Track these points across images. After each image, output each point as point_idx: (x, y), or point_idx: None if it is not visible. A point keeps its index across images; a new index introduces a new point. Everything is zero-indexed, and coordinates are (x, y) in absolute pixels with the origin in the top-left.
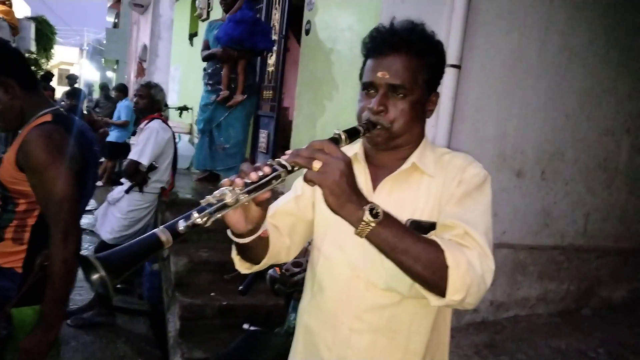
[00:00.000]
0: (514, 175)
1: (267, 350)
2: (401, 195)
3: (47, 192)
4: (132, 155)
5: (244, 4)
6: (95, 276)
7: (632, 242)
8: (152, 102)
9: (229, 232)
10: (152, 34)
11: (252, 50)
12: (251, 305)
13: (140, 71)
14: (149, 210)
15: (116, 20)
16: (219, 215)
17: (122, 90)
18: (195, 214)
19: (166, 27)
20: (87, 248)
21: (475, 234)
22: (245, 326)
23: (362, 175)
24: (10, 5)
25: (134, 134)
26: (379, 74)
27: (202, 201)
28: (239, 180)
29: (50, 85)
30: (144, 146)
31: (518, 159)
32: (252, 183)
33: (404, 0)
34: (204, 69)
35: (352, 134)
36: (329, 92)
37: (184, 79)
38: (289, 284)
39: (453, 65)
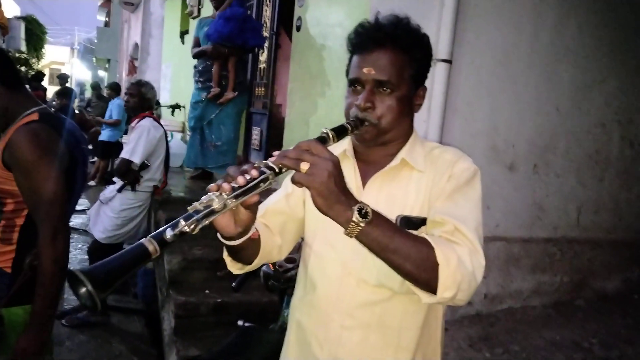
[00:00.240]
0: (506, 169)
1: (261, 347)
2: (391, 192)
3: (35, 191)
4: (124, 154)
5: (234, 0)
6: (82, 290)
7: (625, 234)
8: (142, 101)
9: (218, 235)
10: (143, 32)
11: (243, 47)
12: (245, 302)
13: (132, 69)
14: (142, 209)
15: (107, 19)
16: (206, 222)
17: (115, 88)
18: (183, 222)
19: (157, 25)
20: (80, 248)
21: (465, 229)
22: (240, 323)
23: (352, 172)
24: None
25: (126, 132)
26: (365, 70)
27: (189, 208)
28: (226, 185)
29: (42, 85)
30: (135, 145)
31: (510, 152)
32: (240, 187)
33: None
34: (195, 67)
35: (339, 132)
36: (321, 89)
37: (175, 76)
38: (282, 280)
39: (444, 60)
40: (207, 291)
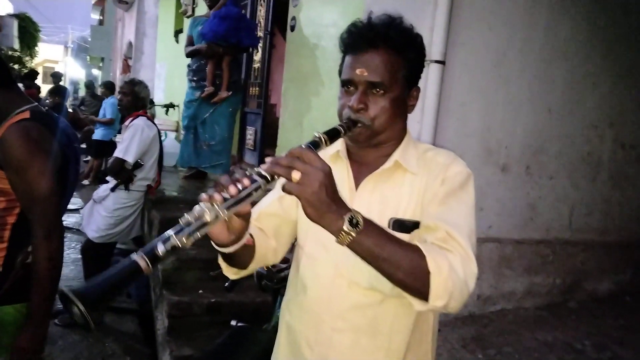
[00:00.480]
0: (499, 170)
1: (254, 346)
2: (384, 193)
3: (28, 190)
4: (117, 153)
5: (229, 0)
6: (74, 309)
7: (617, 235)
8: (136, 100)
9: (212, 242)
10: (137, 31)
11: (238, 46)
12: (239, 302)
13: (126, 68)
14: (135, 209)
15: (101, 18)
16: (199, 236)
17: (110, 87)
18: (174, 237)
19: (151, 24)
20: (73, 247)
21: (458, 236)
22: (233, 323)
23: (345, 173)
24: None
25: (119, 131)
26: (358, 72)
27: (180, 219)
28: (217, 196)
29: (35, 83)
30: (129, 144)
31: (503, 153)
32: (232, 197)
33: None
34: (188, 66)
35: (332, 136)
36: (315, 88)
37: (169, 76)
38: (275, 280)
39: (437, 61)
40: (200, 291)
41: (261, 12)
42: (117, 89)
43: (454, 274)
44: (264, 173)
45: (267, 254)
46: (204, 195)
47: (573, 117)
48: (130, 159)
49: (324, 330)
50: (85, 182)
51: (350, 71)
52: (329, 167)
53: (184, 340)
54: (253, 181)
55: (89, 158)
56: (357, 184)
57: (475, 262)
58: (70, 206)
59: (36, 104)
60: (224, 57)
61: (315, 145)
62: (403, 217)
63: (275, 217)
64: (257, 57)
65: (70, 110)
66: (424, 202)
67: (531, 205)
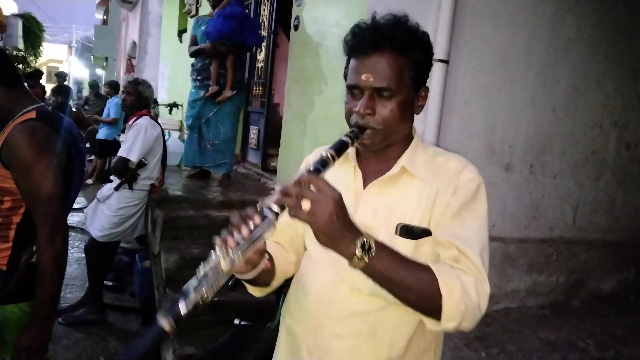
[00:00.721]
0: (502, 169)
1: (257, 344)
2: (390, 198)
3: (33, 189)
4: (121, 153)
5: None
6: None
7: (621, 234)
8: (139, 99)
9: None
10: (141, 31)
11: (242, 45)
12: (242, 301)
13: (130, 68)
14: (139, 208)
15: (105, 17)
16: (219, 286)
17: (114, 87)
18: (195, 294)
19: (155, 23)
20: (77, 246)
21: (470, 253)
22: (236, 321)
23: (352, 175)
24: None
25: (123, 131)
26: (363, 77)
27: (198, 271)
28: (231, 241)
29: (40, 83)
30: (132, 143)
31: (506, 152)
32: (245, 239)
33: None
34: (192, 65)
35: (340, 150)
36: (318, 88)
37: (173, 75)
38: None
39: (441, 60)
40: None
41: (265, 11)
42: (121, 88)
43: (466, 296)
44: (274, 209)
45: (288, 269)
46: (218, 241)
47: (577, 116)
48: (134, 158)
49: (323, 335)
50: (89, 181)
51: (355, 76)
52: (339, 194)
53: (187, 339)
54: (264, 217)
55: (92, 157)
56: (365, 185)
57: (488, 282)
58: (74, 205)
59: (42, 103)
60: (228, 57)
61: (323, 164)
62: (410, 223)
63: (290, 228)
64: (261, 56)
65: (74, 109)
66: (435, 211)
67: (535, 205)
